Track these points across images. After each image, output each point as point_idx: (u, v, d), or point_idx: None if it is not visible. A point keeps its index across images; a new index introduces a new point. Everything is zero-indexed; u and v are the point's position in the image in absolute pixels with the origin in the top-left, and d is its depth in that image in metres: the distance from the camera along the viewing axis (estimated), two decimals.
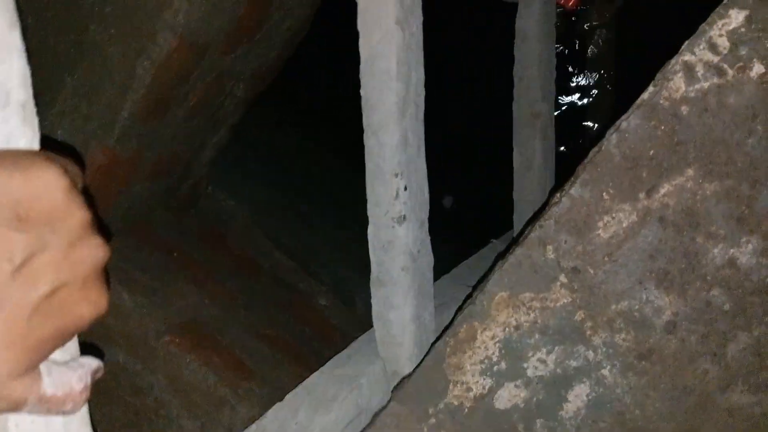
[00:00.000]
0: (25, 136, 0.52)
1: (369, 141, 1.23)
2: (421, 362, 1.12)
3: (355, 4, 1.17)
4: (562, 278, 1.02)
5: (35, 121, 0.53)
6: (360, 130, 1.23)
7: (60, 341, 0.41)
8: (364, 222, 1.28)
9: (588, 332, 1.03)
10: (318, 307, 1.89)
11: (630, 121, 0.96)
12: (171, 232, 1.72)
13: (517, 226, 1.99)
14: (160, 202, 1.74)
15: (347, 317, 1.92)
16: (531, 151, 1.89)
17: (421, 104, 1.26)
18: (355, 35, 1.18)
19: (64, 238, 0.42)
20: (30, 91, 0.56)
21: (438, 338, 1.13)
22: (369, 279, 1.32)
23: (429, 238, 1.34)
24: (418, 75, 1.25)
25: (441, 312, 1.52)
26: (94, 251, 0.44)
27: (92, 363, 0.45)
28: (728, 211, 0.92)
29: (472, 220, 2.61)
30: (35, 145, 0.55)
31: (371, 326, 1.35)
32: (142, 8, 1.25)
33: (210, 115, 1.64)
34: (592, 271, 1.00)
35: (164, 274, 1.53)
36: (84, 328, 0.42)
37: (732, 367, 0.97)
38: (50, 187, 0.42)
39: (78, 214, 0.43)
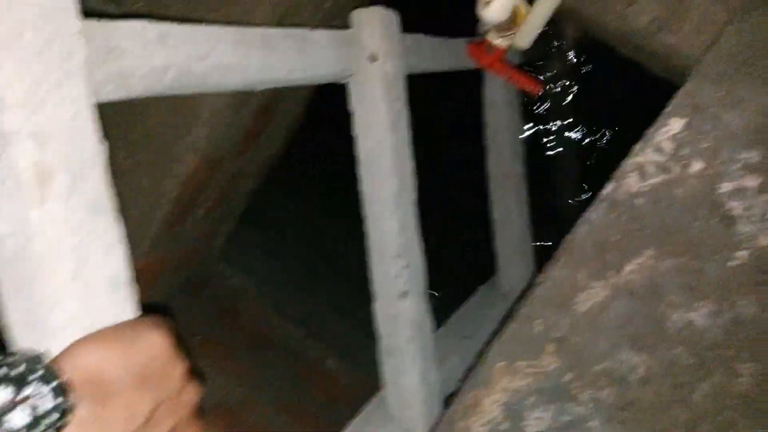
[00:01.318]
0: (130, 308, 0.68)
1: (371, 229, 1.39)
2: (435, 428, 1.28)
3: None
4: (551, 347, 1.19)
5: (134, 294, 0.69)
6: (354, 197, 1.39)
7: None
8: (361, 285, 1.44)
9: (576, 391, 1.20)
10: (327, 370, 2.03)
11: (596, 213, 1.14)
12: (191, 317, 1.86)
13: (501, 273, 2.16)
14: (179, 290, 1.88)
15: (354, 376, 2.06)
16: (507, 206, 2.08)
17: (413, 193, 1.43)
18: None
19: (174, 387, 0.54)
20: (130, 273, 0.73)
21: (447, 404, 1.29)
22: (366, 334, 1.48)
23: (429, 306, 1.51)
24: (410, 167, 1.42)
25: (442, 366, 1.68)
26: (194, 393, 0.58)
27: None
28: (683, 282, 1.11)
29: (461, 269, 2.78)
30: (136, 312, 0.71)
31: (375, 381, 1.50)
32: (164, 135, 1.40)
33: (222, 210, 1.80)
34: (575, 339, 1.18)
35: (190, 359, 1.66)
36: None
37: (698, 410, 1.15)
38: (162, 348, 0.54)
39: (181, 366, 0.56)
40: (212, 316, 1.99)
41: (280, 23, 1.42)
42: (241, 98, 1.43)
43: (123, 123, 1.45)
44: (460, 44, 1.75)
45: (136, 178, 1.51)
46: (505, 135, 2.02)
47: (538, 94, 1.59)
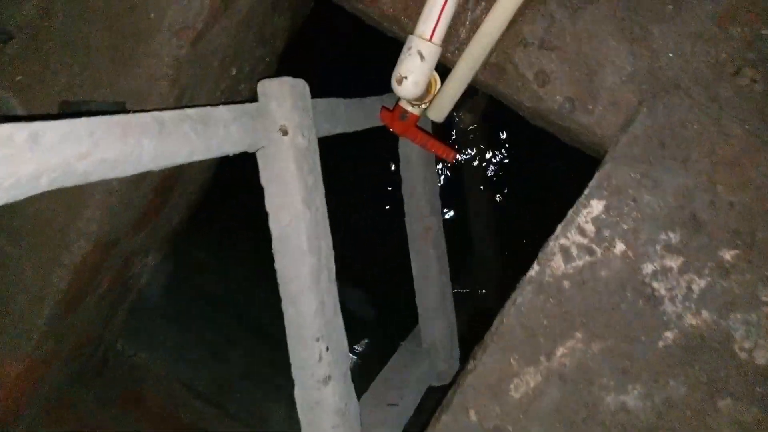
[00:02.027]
0: None
1: (288, 310, 1.30)
2: None
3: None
4: None
5: None
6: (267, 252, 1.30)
7: None
8: (278, 345, 1.33)
9: None
10: None
11: (523, 297, 1.11)
12: (88, 406, 1.68)
13: (423, 328, 2.12)
14: (75, 377, 1.69)
15: None
16: (426, 261, 2.04)
17: (332, 267, 1.35)
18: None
19: None
20: None
21: None
22: (286, 403, 1.37)
23: (353, 386, 1.43)
24: (327, 242, 1.34)
25: None
26: None
27: None
28: (614, 364, 1.09)
29: (382, 324, 2.73)
30: None
31: None
32: (52, 221, 1.25)
33: (121, 288, 1.64)
34: (510, 428, 1.13)
35: None
36: None
37: None
38: None
39: None
40: (110, 403, 1.81)
41: (180, 98, 1.31)
42: (139, 175, 1.31)
43: (5, 207, 1.29)
44: (374, 103, 1.70)
45: (20, 266, 1.35)
46: (421, 190, 1.99)
47: (452, 161, 1.55)
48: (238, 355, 2.23)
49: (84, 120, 0.83)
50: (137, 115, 0.91)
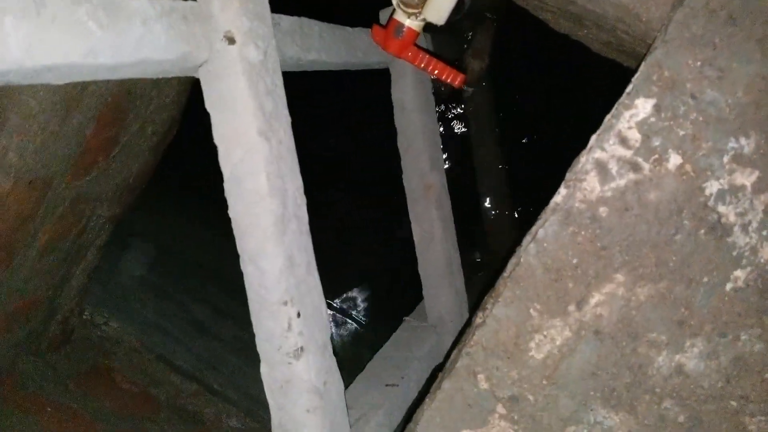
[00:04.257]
0: None
1: (247, 269, 1.05)
2: None
3: None
4: (500, 409, 0.90)
5: None
6: None
7: None
8: None
9: None
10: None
11: (546, 229, 0.86)
12: (43, 383, 1.45)
13: (427, 301, 1.88)
14: (24, 350, 1.46)
15: None
16: (429, 224, 1.79)
17: (303, 215, 1.11)
18: None
19: None
20: None
21: None
22: None
23: (335, 361, 1.18)
24: (296, 183, 1.09)
25: (360, 429, 1.36)
26: None
27: None
28: (666, 315, 0.84)
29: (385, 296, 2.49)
30: None
31: None
32: None
33: (71, 244, 1.41)
34: (531, 398, 0.89)
35: None
36: None
37: None
38: None
39: None
40: (74, 378, 1.58)
41: None
42: (70, 95, 1.07)
43: None
44: (361, 34, 1.46)
45: None
46: (420, 142, 1.74)
47: (460, 86, 1.31)
48: (226, 327, 2.00)
49: None
50: None
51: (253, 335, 1.09)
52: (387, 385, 1.56)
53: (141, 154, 1.44)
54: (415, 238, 1.83)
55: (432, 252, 1.82)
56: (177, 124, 1.56)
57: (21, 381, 1.44)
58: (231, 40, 0.95)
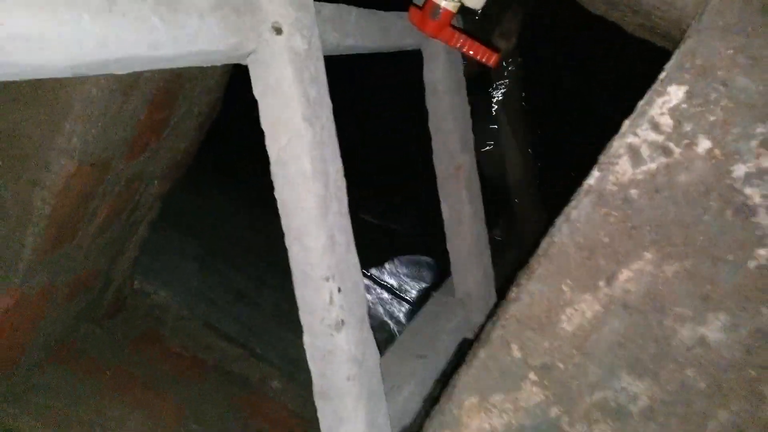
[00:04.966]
0: None
1: (292, 247, 1.12)
2: None
3: None
4: (532, 376, 0.96)
5: None
6: None
7: None
8: None
9: (565, 427, 0.97)
10: (272, 393, 1.75)
11: (579, 210, 0.91)
12: (101, 348, 1.54)
13: (456, 277, 1.94)
14: (83, 317, 1.55)
15: (303, 399, 1.81)
16: (459, 203, 1.85)
17: (343, 197, 1.17)
18: None
19: None
20: None
21: None
22: None
23: (372, 333, 1.25)
24: (336, 166, 1.16)
25: (394, 397, 1.43)
26: None
27: None
28: (692, 290, 0.89)
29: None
30: None
31: None
32: (29, 136, 1.09)
33: (125, 220, 1.49)
34: (561, 366, 0.95)
35: (99, 402, 1.35)
36: None
37: None
38: None
39: None
40: (128, 343, 1.67)
41: None
42: (126, 83, 1.14)
43: None
44: (395, 18, 1.50)
45: None
46: (450, 123, 1.79)
47: (494, 66, 1.36)
48: (267, 296, 2.08)
49: None
50: None
51: (291, 304, 1.16)
52: (418, 357, 1.64)
53: (188, 133, 1.51)
54: (445, 217, 1.88)
55: (461, 230, 1.88)
56: (220, 104, 1.62)
57: (81, 347, 1.53)
58: (278, 31, 1.01)
